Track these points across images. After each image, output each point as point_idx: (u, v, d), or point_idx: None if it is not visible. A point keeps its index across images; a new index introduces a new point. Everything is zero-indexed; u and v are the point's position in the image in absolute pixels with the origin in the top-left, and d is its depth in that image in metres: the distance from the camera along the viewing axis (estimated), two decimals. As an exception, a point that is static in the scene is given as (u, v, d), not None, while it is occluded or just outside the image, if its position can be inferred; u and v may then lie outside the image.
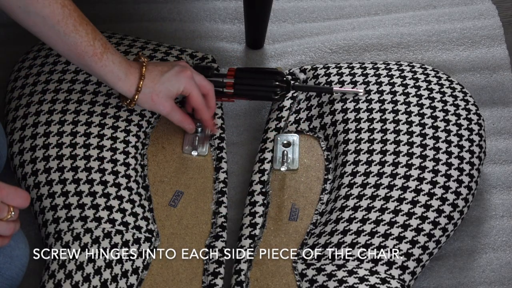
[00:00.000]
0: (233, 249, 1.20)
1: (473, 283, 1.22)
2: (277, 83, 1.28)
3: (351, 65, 1.36)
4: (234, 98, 1.31)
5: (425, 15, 1.54)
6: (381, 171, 1.21)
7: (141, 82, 1.18)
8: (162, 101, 1.20)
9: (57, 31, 1.10)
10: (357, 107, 1.29)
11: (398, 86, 1.31)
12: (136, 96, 1.19)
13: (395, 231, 1.16)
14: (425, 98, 1.30)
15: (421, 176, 1.20)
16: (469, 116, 1.28)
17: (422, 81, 1.32)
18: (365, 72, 1.34)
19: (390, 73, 1.34)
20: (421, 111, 1.28)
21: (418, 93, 1.30)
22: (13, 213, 1.00)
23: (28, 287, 1.18)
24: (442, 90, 1.31)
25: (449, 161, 1.22)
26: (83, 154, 1.22)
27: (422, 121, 1.26)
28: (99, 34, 1.14)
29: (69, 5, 1.10)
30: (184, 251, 1.18)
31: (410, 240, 1.16)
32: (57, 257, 1.14)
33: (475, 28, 1.51)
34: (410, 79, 1.33)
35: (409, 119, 1.27)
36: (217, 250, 1.18)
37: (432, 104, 1.29)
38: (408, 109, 1.28)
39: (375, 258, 1.14)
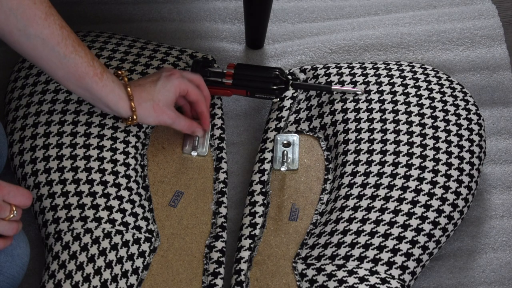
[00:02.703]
0: (234, 249, 1.20)
1: (473, 283, 1.22)
2: (276, 73, 1.28)
3: (351, 65, 1.36)
4: (233, 91, 1.30)
5: (425, 15, 1.54)
6: (381, 171, 1.22)
7: (132, 99, 1.17)
8: (164, 110, 1.20)
9: (57, 53, 1.08)
10: (357, 107, 1.29)
11: (398, 86, 1.32)
12: (134, 109, 1.18)
13: (395, 231, 1.16)
14: (425, 98, 1.30)
15: (421, 176, 1.20)
16: (469, 116, 1.28)
17: (422, 81, 1.32)
18: (365, 72, 1.34)
19: (390, 73, 1.34)
20: (421, 111, 1.28)
21: (418, 93, 1.30)
22: (15, 212, 1.01)
23: (28, 287, 1.18)
24: (442, 90, 1.31)
25: (449, 161, 1.23)
26: (83, 154, 1.22)
27: (422, 121, 1.26)
28: (94, 55, 1.14)
29: (66, 27, 1.09)
30: (184, 251, 1.18)
31: (410, 240, 1.16)
32: (57, 257, 1.14)
33: (475, 28, 1.51)
34: (410, 79, 1.33)
35: (409, 119, 1.27)
36: (217, 250, 1.18)
37: (432, 104, 1.29)
38: (408, 109, 1.28)
39: (375, 258, 1.14)
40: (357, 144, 1.25)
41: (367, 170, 1.22)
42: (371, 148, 1.24)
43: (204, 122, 1.27)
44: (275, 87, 1.29)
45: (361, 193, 1.20)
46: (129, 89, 1.17)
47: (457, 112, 1.29)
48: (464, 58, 1.47)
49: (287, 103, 1.33)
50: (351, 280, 1.12)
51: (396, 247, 1.15)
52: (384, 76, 1.33)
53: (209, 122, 1.28)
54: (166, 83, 1.20)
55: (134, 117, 1.19)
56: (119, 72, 1.20)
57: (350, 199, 1.20)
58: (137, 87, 1.19)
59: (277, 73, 1.29)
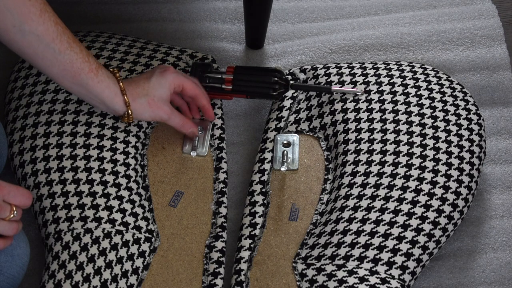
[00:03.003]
0: (234, 249, 1.20)
1: (473, 283, 1.22)
2: (275, 79, 1.28)
3: (351, 65, 1.36)
4: (233, 96, 1.30)
5: (425, 15, 1.54)
6: (381, 171, 1.22)
7: (125, 93, 1.17)
8: (160, 105, 1.20)
9: (52, 49, 1.08)
10: (357, 107, 1.29)
11: (398, 86, 1.32)
12: (128, 104, 1.18)
13: (395, 231, 1.16)
14: (425, 98, 1.30)
15: (421, 176, 1.20)
16: (469, 116, 1.28)
17: (422, 81, 1.32)
18: (365, 72, 1.34)
19: (390, 73, 1.34)
20: (421, 111, 1.28)
21: (418, 93, 1.30)
22: (15, 212, 1.00)
23: (28, 287, 1.18)
24: (442, 90, 1.31)
25: (449, 161, 1.23)
26: (83, 154, 1.22)
27: (422, 121, 1.26)
28: (89, 51, 1.14)
29: (60, 23, 1.09)
30: (184, 251, 1.18)
31: (410, 240, 1.16)
32: (57, 257, 1.14)
33: (475, 28, 1.51)
34: (410, 79, 1.33)
35: (409, 119, 1.27)
36: (217, 250, 1.18)
37: (432, 104, 1.29)
38: (408, 109, 1.28)
39: (375, 258, 1.14)
40: (357, 144, 1.25)
41: (367, 170, 1.22)
42: (371, 148, 1.24)
43: (208, 114, 1.27)
44: (274, 93, 1.28)
45: (361, 193, 1.20)
46: (121, 84, 1.17)
47: (457, 112, 1.29)
48: (464, 58, 1.47)
49: (287, 103, 1.33)
50: (351, 280, 1.12)
51: (396, 247, 1.15)
52: (384, 76, 1.33)
53: (213, 113, 1.28)
54: (160, 78, 1.20)
55: (129, 112, 1.18)
56: (111, 69, 1.20)
57: (350, 199, 1.20)
58: (131, 83, 1.19)
59: (276, 78, 1.28)
